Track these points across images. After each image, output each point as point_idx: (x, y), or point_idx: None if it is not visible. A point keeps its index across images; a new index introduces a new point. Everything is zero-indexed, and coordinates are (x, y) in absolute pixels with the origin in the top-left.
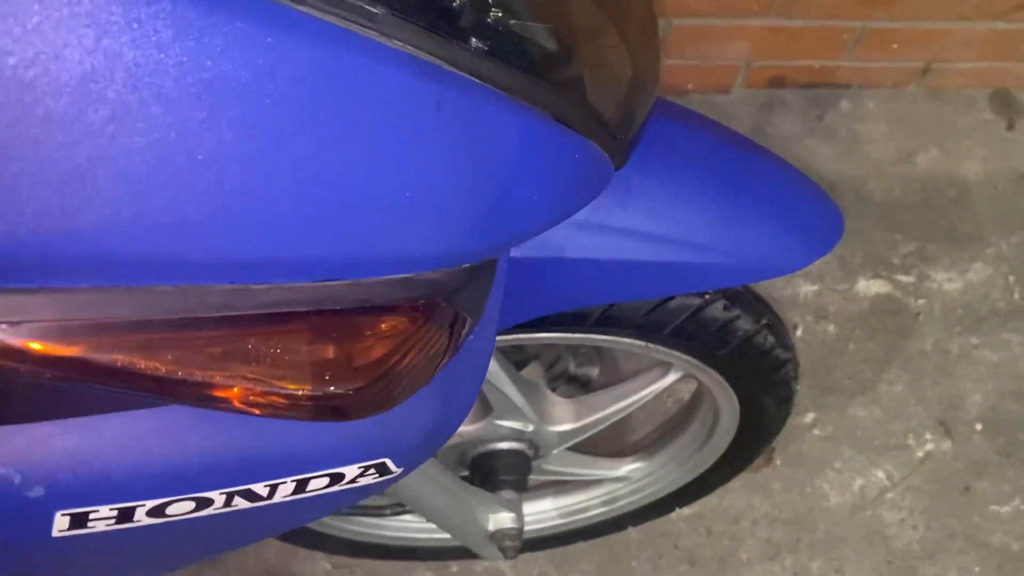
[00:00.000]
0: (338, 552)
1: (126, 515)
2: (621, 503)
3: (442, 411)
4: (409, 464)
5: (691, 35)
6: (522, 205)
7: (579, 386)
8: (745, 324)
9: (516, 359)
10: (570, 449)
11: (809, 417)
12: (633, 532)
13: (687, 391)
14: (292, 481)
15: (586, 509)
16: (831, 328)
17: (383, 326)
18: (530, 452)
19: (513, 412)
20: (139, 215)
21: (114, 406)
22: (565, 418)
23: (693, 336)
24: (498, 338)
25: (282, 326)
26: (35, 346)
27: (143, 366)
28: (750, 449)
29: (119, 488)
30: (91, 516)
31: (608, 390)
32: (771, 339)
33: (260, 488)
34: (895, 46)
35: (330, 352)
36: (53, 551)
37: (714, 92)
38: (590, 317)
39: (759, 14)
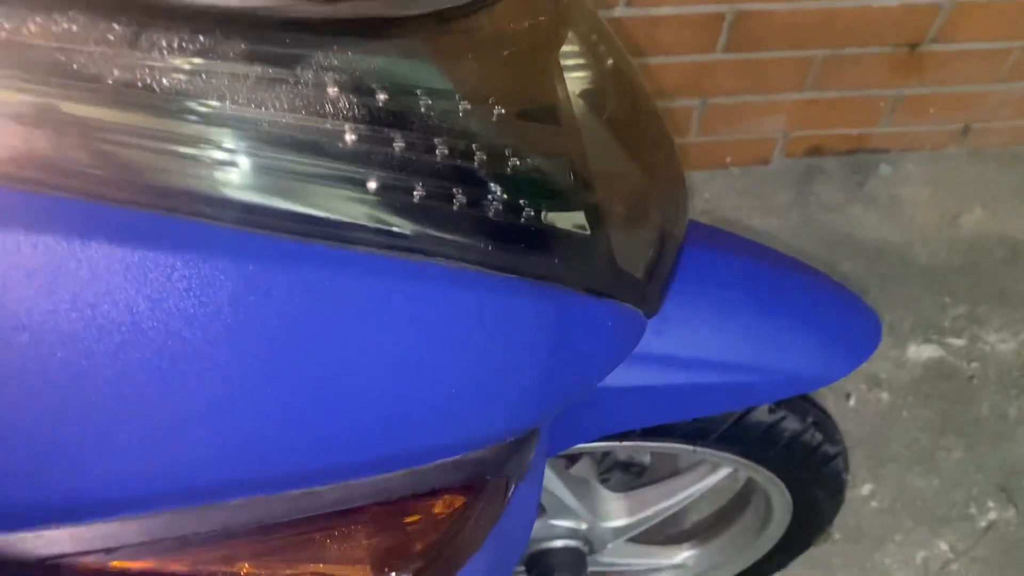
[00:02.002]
0: None
1: None
2: None
3: (496, 562)
4: None
5: (727, 112)
6: (563, 378)
7: (632, 474)
8: (792, 424)
9: (567, 455)
10: (626, 540)
11: (867, 489)
12: None
13: (742, 476)
14: None
15: None
16: (884, 396)
17: (437, 509)
18: (585, 548)
19: (566, 512)
20: (218, 445)
21: None
22: (618, 514)
23: (740, 439)
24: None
25: (344, 522)
26: (128, 567)
27: (223, 574)
28: (805, 536)
29: None
30: None
31: (660, 484)
32: (819, 436)
33: None
34: (932, 110)
35: (389, 541)
36: None
37: (753, 164)
38: (635, 430)
39: (794, 89)
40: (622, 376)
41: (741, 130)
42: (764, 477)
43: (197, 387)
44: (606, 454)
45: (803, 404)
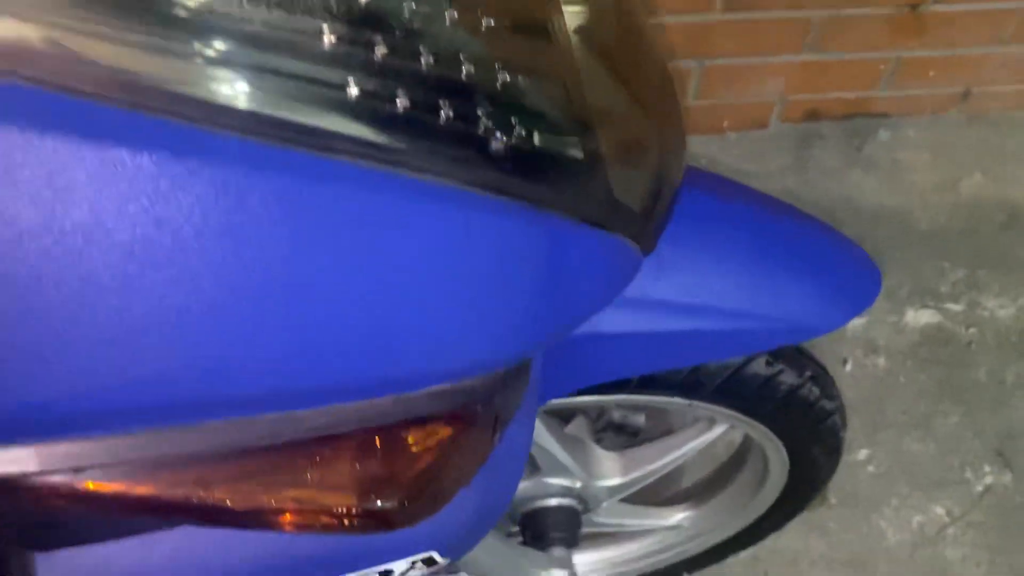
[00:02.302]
0: None
1: None
2: (674, 551)
3: (485, 502)
4: (456, 554)
5: (724, 75)
6: (553, 307)
7: (627, 435)
8: (789, 378)
9: (562, 414)
10: (621, 500)
11: (863, 454)
12: None
13: (738, 435)
14: None
15: (640, 558)
16: (881, 361)
17: (426, 438)
18: (579, 507)
19: (560, 469)
20: (193, 359)
21: (171, 524)
22: (613, 472)
23: (737, 393)
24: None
25: (328, 448)
26: (97, 488)
27: (197, 498)
28: (802, 496)
29: None
30: None
31: (655, 443)
32: (816, 391)
33: None
34: (932, 74)
35: (375, 468)
36: None
37: (751, 128)
38: (631, 382)
39: (792, 51)
40: (618, 321)
41: (739, 94)
42: (760, 434)
43: (167, 297)
44: (600, 415)
45: (800, 358)
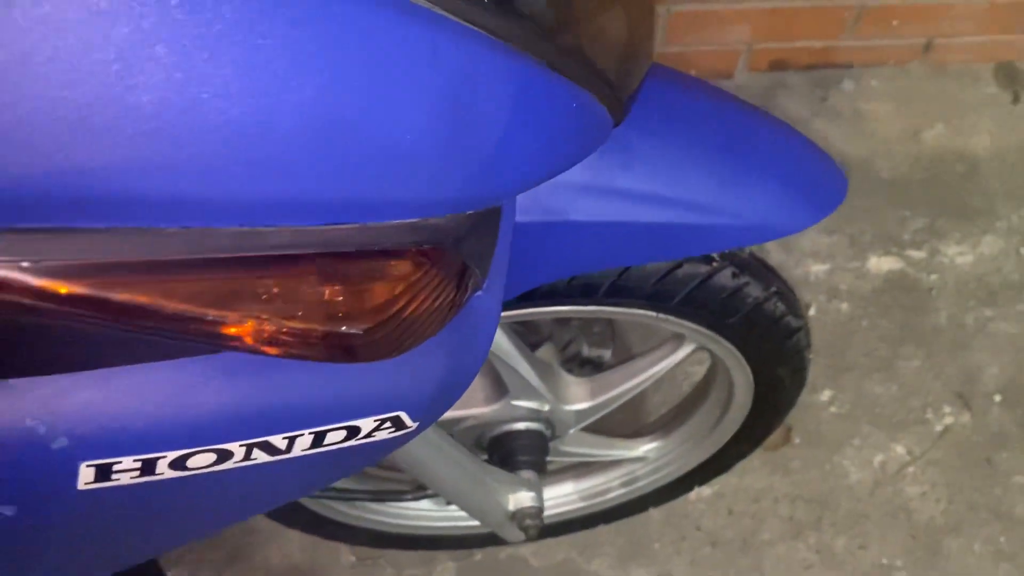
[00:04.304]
0: (363, 543)
1: (149, 467)
2: (640, 484)
3: (454, 366)
4: (424, 418)
5: (691, 20)
6: (521, 152)
7: (592, 368)
8: (754, 291)
9: (530, 340)
10: (587, 430)
11: (826, 395)
12: (655, 515)
13: (701, 374)
14: (309, 434)
15: (606, 491)
16: (844, 307)
17: (390, 269)
18: (547, 432)
19: (528, 392)
20: (148, 154)
21: (136, 358)
22: (580, 397)
23: (703, 305)
24: (509, 313)
25: (292, 267)
26: (46, 285)
27: (156, 305)
28: (766, 422)
29: (141, 439)
30: (115, 468)
31: (622, 367)
32: (781, 306)
33: (278, 441)
34: (895, 23)
35: (339, 293)
36: (79, 505)
37: (717, 77)
38: (600, 288)
39: None
40: (588, 209)
41: (705, 40)
42: (726, 352)
43: (122, 75)
44: (567, 345)
45: (766, 272)
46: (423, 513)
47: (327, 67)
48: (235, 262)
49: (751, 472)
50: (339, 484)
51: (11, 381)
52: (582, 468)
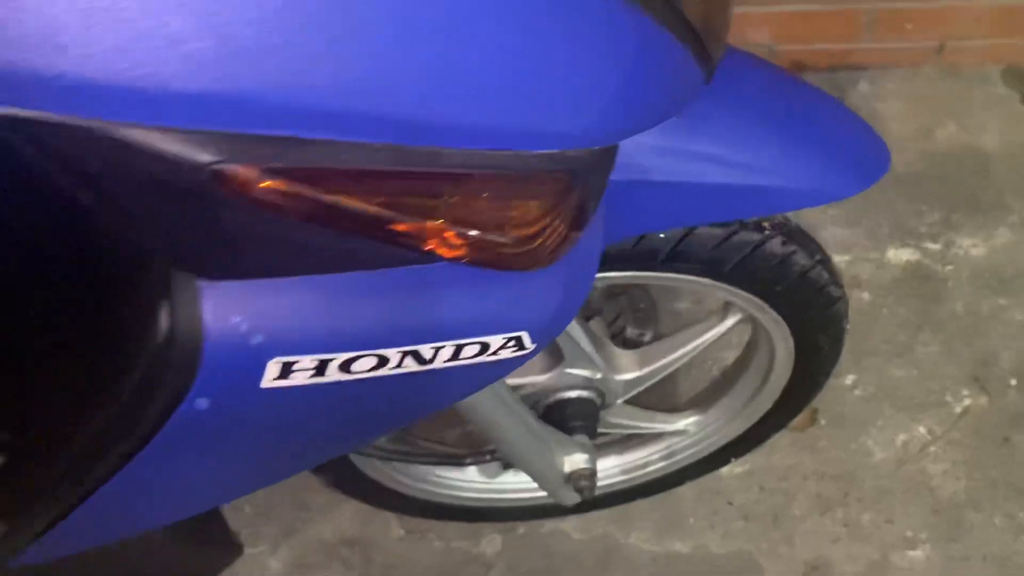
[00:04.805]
0: (414, 514)
1: (321, 368)
2: (679, 457)
3: (566, 295)
4: (539, 342)
5: None
6: (642, 96)
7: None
8: (801, 259)
9: (582, 314)
10: (630, 404)
11: (850, 379)
12: (688, 492)
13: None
14: (451, 346)
15: (647, 464)
16: (865, 295)
17: (540, 188)
18: (598, 401)
19: (582, 360)
20: (389, 81)
21: (326, 268)
22: (630, 367)
23: (754, 271)
24: None
25: (466, 183)
26: (274, 186)
27: (360, 208)
28: (803, 393)
29: (321, 341)
30: (295, 367)
31: (668, 339)
32: (825, 275)
33: (426, 350)
34: (909, 26)
35: (500, 207)
36: (258, 403)
37: None
38: (660, 253)
39: (780, 1)
40: (664, 170)
41: (731, 41)
42: (770, 320)
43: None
44: (615, 319)
45: (811, 242)
46: (472, 485)
47: (514, 13)
48: (423, 175)
49: (780, 451)
50: (403, 447)
51: (224, 283)
52: (624, 442)
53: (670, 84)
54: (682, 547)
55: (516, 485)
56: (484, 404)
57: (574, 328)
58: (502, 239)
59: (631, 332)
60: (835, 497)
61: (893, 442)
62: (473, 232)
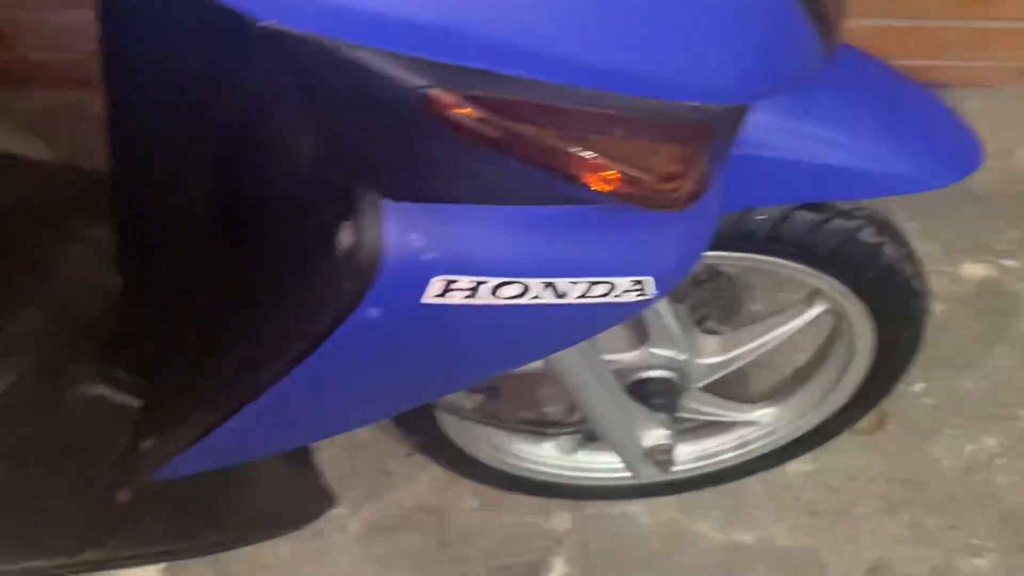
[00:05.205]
0: (491, 483)
1: (475, 289)
2: (750, 447)
3: (689, 245)
4: (660, 289)
5: None
6: (776, 64)
7: None
8: (891, 251)
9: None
10: (706, 391)
11: (919, 387)
12: (756, 485)
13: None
14: (585, 282)
15: (718, 453)
16: (939, 307)
17: (684, 136)
18: (679, 382)
19: (668, 341)
20: (579, 28)
21: (494, 199)
22: (713, 351)
23: (846, 259)
24: None
25: (624, 125)
26: (471, 114)
27: (538, 138)
28: (879, 388)
29: (480, 264)
30: (453, 286)
31: (752, 326)
32: (911, 268)
33: (564, 284)
34: (994, 46)
35: (651, 149)
36: (416, 317)
37: None
38: (758, 235)
39: (869, 15)
40: (776, 147)
41: None
42: (855, 310)
43: None
44: (699, 306)
45: (900, 234)
46: (548, 460)
47: None
48: (590, 115)
49: (847, 452)
50: (496, 411)
51: (406, 204)
52: (697, 430)
53: (800, 58)
54: (748, 537)
55: (589, 464)
56: (580, 370)
57: (664, 308)
58: (648, 177)
59: (711, 324)
60: (901, 500)
61: (961, 451)
62: (627, 169)
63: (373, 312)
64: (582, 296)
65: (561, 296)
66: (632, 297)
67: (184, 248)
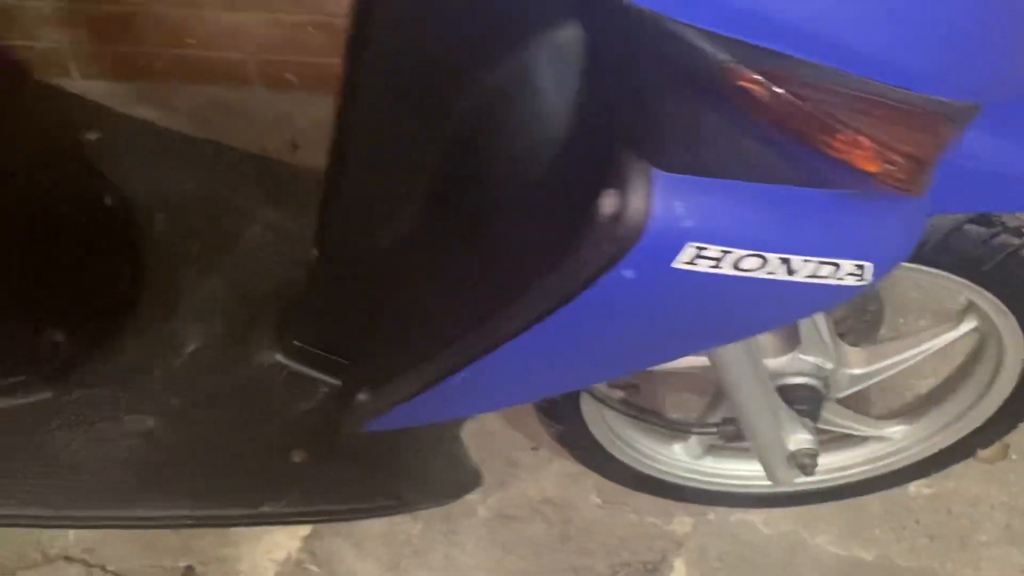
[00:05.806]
0: (618, 480)
1: (719, 259)
2: (876, 464)
3: (906, 235)
4: (877, 273)
5: None
6: (1010, 71)
7: None
8: None
9: None
10: (842, 404)
11: None
12: (875, 504)
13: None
14: (816, 262)
15: (846, 467)
16: None
17: (931, 126)
18: (823, 390)
19: (818, 348)
20: (863, 21)
21: (757, 176)
22: (858, 362)
23: (1008, 275)
24: None
25: (885, 110)
26: (771, 89)
27: (817, 112)
28: (1016, 413)
29: (731, 235)
30: (702, 253)
31: (898, 340)
32: None
33: (797, 261)
34: None
35: (905, 137)
36: (664, 281)
37: None
38: (926, 244)
39: None
40: (963, 153)
41: None
42: (1008, 328)
43: None
44: (844, 319)
45: None
46: (677, 463)
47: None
48: (859, 99)
49: (968, 479)
50: (642, 404)
51: (674, 175)
52: (827, 443)
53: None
54: (866, 555)
55: (715, 470)
56: (743, 367)
57: (819, 316)
58: (905, 162)
59: (852, 338)
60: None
61: None
62: (886, 152)
63: (628, 274)
64: (810, 275)
65: (791, 273)
66: (852, 281)
67: (396, 224)
